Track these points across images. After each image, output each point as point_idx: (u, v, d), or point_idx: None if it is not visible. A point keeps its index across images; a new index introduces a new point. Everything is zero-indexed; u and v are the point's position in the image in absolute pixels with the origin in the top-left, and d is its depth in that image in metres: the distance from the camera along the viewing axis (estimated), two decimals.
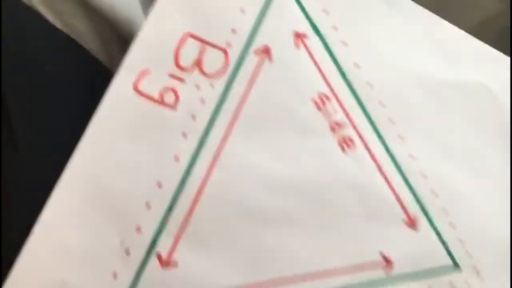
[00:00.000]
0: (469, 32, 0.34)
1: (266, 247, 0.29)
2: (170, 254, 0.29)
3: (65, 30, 0.36)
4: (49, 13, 0.36)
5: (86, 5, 0.36)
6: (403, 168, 0.31)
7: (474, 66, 0.32)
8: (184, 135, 0.29)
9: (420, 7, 0.32)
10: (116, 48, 0.39)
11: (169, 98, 0.29)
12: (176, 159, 0.29)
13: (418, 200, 0.32)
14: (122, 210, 0.28)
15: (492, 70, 0.32)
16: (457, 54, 0.32)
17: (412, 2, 0.32)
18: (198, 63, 0.29)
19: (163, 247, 0.28)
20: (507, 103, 0.33)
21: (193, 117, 0.29)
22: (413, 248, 0.31)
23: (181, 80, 0.29)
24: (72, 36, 0.36)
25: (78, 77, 0.33)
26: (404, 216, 0.32)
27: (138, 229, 0.28)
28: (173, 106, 0.29)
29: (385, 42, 0.31)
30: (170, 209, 0.29)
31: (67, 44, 0.34)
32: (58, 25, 0.36)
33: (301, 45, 0.30)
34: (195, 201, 0.29)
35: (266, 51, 0.30)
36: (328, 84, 0.31)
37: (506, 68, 0.33)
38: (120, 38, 0.39)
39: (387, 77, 0.31)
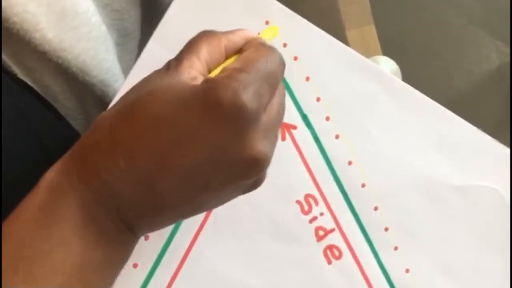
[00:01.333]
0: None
1: None
2: None
3: (35, 87, 0.32)
4: (18, 68, 0.33)
5: (62, 68, 0.32)
6: (397, 284, 0.27)
7: (484, 168, 0.27)
8: (146, 237, 0.25)
9: (430, 100, 0.26)
10: (93, 107, 0.35)
11: None
12: (135, 266, 0.25)
13: None
14: None
15: (505, 173, 0.27)
16: (466, 153, 0.27)
17: (421, 94, 0.26)
18: None
19: None
20: None
21: None
22: None
23: None
24: (43, 94, 0.32)
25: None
26: None
27: None
28: None
29: (384, 137, 0.26)
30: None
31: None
32: (28, 81, 0.32)
33: (288, 137, 0.27)
34: None
35: None
36: (316, 184, 0.27)
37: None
38: (96, 97, 0.35)
39: (384, 176, 0.27)
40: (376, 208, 0.26)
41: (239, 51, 0.20)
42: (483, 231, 0.27)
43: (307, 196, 0.26)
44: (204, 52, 0.19)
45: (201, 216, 0.25)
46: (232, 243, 0.25)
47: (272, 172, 0.25)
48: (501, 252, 0.27)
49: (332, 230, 0.26)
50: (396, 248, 0.27)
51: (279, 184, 0.26)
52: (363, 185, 0.26)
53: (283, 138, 0.26)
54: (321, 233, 0.26)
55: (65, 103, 0.32)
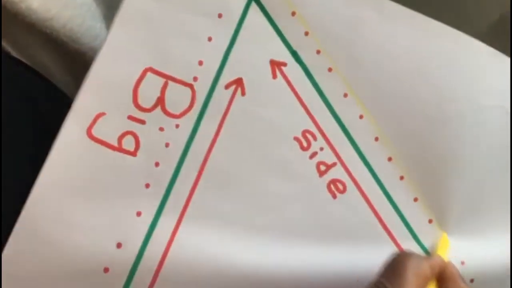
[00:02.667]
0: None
1: None
2: None
3: (31, 64, 0.33)
4: (13, 47, 0.33)
5: (51, 39, 0.33)
6: (405, 214, 0.26)
7: (491, 85, 0.25)
8: (147, 185, 0.25)
9: (428, 19, 0.25)
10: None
11: (129, 143, 0.24)
12: (138, 214, 0.25)
13: (426, 251, 0.26)
14: (79, 276, 0.24)
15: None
16: (472, 70, 0.25)
17: (416, 13, 0.25)
18: (160, 102, 0.25)
19: None
20: None
21: (157, 164, 0.24)
22: None
23: (141, 122, 0.25)
24: (38, 69, 0.33)
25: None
26: None
27: None
28: (133, 153, 0.24)
29: (380, 64, 0.25)
30: (132, 273, 0.24)
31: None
32: (23, 59, 0.33)
33: (279, 75, 0.26)
34: (161, 262, 0.24)
35: (238, 84, 0.25)
36: (313, 120, 0.26)
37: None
38: (88, 67, 0.35)
39: (384, 105, 0.25)
40: (377, 139, 0.26)
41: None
42: (494, 151, 0.26)
43: (305, 132, 0.25)
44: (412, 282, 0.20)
45: (200, 161, 0.25)
46: (234, 185, 0.24)
47: (266, 111, 0.25)
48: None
49: (334, 164, 0.25)
50: (402, 178, 0.26)
51: (276, 123, 0.25)
52: (361, 117, 0.25)
53: (274, 76, 0.25)
54: (322, 168, 0.25)
55: (59, 77, 0.32)
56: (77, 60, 0.31)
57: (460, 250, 0.25)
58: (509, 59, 0.25)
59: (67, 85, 0.33)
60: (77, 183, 0.23)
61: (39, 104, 0.29)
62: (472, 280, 0.26)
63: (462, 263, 0.25)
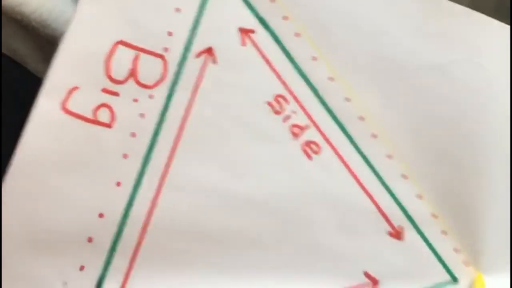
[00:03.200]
0: None
1: (230, 277, 0.25)
2: None
3: (7, 53, 0.33)
4: None
5: (23, 25, 0.33)
6: (380, 171, 0.27)
7: (462, 40, 0.25)
8: (125, 156, 0.25)
9: None
10: None
11: (104, 115, 0.25)
12: (118, 184, 0.25)
13: (401, 207, 0.27)
14: (62, 248, 0.24)
15: (487, 44, 0.25)
16: (440, 26, 0.25)
17: None
18: (133, 73, 0.25)
19: (111, 286, 0.24)
20: (506, 85, 0.26)
21: (133, 134, 0.25)
22: (401, 263, 0.26)
23: (115, 94, 0.25)
24: (16, 59, 0.33)
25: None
26: (387, 227, 0.26)
27: (82, 268, 0.24)
28: (109, 124, 0.25)
29: (348, 26, 0.25)
30: (115, 242, 0.25)
31: None
32: None
33: (248, 42, 0.26)
34: (143, 230, 0.25)
35: (209, 53, 0.26)
36: (284, 84, 0.26)
37: (505, 40, 0.25)
38: None
39: (353, 66, 0.25)
40: (348, 99, 0.26)
41: None
42: (466, 106, 0.27)
43: (277, 97, 0.26)
44: None
45: (176, 129, 0.25)
46: (211, 151, 0.25)
47: (238, 78, 0.25)
48: (495, 129, 0.26)
49: (307, 127, 0.26)
50: (374, 136, 0.26)
51: (248, 89, 0.25)
52: (330, 79, 0.26)
53: (243, 43, 0.25)
54: (296, 130, 0.26)
55: (34, 65, 0.32)
56: (50, 46, 0.31)
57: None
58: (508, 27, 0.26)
59: (42, 72, 0.33)
60: (55, 157, 0.23)
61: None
62: None
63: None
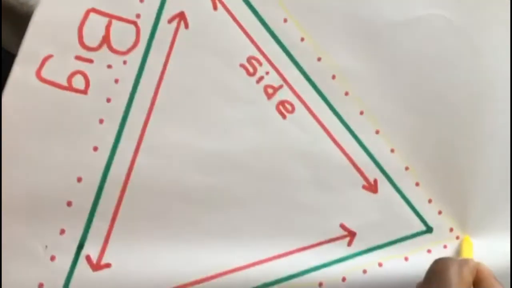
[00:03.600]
0: None
1: (209, 234, 0.25)
2: (101, 255, 0.24)
3: None
4: None
5: (6, 11, 0.33)
6: (353, 127, 0.27)
7: None
8: (101, 121, 0.25)
9: None
10: None
11: (79, 82, 0.25)
12: (95, 149, 0.25)
13: (375, 161, 0.27)
14: (42, 213, 0.24)
15: None
16: None
17: None
18: (106, 40, 0.25)
19: (92, 248, 0.24)
20: (470, 37, 0.26)
21: (108, 100, 0.25)
22: (377, 215, 0.27)
23: (89, 61, 0.25)
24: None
25: None
26: (362, 181, 0.27)
27: (62, 232, 0.25)
28: (84, 91, 0.25)
29: None
30: (94, 205, 0.25)
31: None
32: None
33: (220, 6, 0.27)
34: (122, 193, 0.25)
35: (181, 17, 0.26)
36: (256, 46, 0.26)
37: None
38: None
39: (322, 26, 0.26)
40: (319, 59, 0.26)
41: None
42: (434, 59, 0.27)
43: (250, 59, 0.26)
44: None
45: (151, 93, 0.25)
46: (186, 113, 0.25)
47: (210, 42, 0.26)
48: (468, 81, 0.27)
49: (281, 87, 0.26)
50: (346, 94, 0.27)
51: (221, 52, 0.25)
52: (302, 39, 0.26)
53: (215, 8, 0.26)
54: (270, 91, 0.26)
55: (13, 46, 0.32)
56: (27, 24, 0.32)
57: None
58: None
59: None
60: (31, 124, 0.24)
61: None
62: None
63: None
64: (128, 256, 0.23)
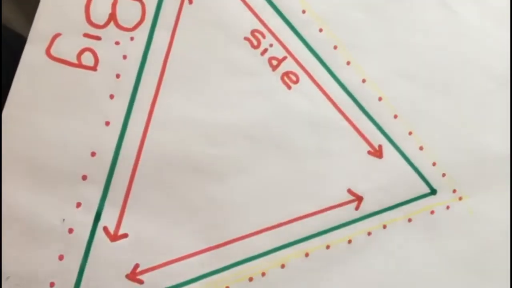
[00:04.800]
0: None
1: (221, 204, 0.26)
2: (118, 225, 0.25)
3: None
4: None
5: None
6: (356, 95, 0.27)
7: None
8: (111, 96, 0.25)
9: None
10: None
11: (88, 59, 0.25)
12: (107, 124, 0.25)
13: (379, 127, 0.28)
14: (58, 187, 0.24)
15: None
16: None
17: None
18: (113, 17, 0.26)
19: (109, 220, 0.25)
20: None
21: (118, 76, 0.25)
22: (382, 179, 0.27)
23: (97, 38, 0.25)
24: (3, 22, 0.33)
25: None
26: (367, 147, 0.27)
27: (78, 205, 0.25)
28: (93, 67, 0.25)
29: None
30: (109, 178, 0.25)
31: None
32: None
33: None
34: (135, 165, 0.25)
35: None
36: (260, 19, 0.27)
37: None
38: None
39: (322, 0, 0.26)
40: (321, 30, 0.27)
41: None
42: (433, 30, 0.27)
43: (253, 32, 0.26)
44: None
45: (159, 68, 0.25)
46: (193, 87, 0.25)
47: (214, 16, 0.26)
48: (461, 52, 0.27)
49: (285, 58, 0.27)
50: (348, 63, 0.27)
51: (225, 26, 0.26)
52: (303, 11, 0.26)
53: None
54: (274, 62, 0.26)
55: (22, 31, 0.32)
56: (32, 6, 0.32)
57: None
58: None
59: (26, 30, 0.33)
60: (44, 102, 0.24)
61: None
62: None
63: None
64: (145, 226, 0.24)
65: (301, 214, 0.26)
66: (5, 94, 0.24)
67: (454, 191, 0.27)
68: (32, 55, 0.24)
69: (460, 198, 0.27)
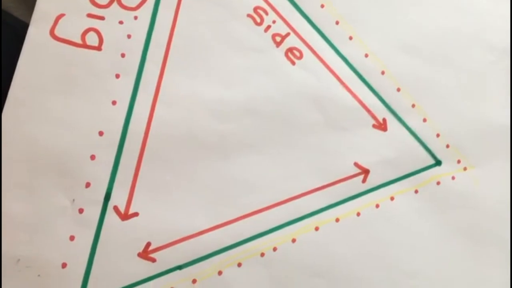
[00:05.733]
0: None
1: (229, 180, 0.25)
2: (128, 204, 0.25)
3: None
4: None
5: None
6: (359, 69, 0.27)
7: None
8: (117, 76, 0.25)
9: None
10: None
11: (92, 39, 0.25)
12: (114, 103, 0.25)
13: (382, 101, 0.28)
14: (67, 168, 0.25)
15: None
16: None
17: None
18: None
19: (119, 199, 0.24)
20: None
21: (123, 55, 0.25)
22: (388, 151, 0.28)
23: (101, 18, 0.25)
24: (3, 8, 0.33)
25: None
26: (371, 120, 0.27)
27: (88, 185, 0.25)
28: (98, 47, 0.25)
29: None
30: (117, 157, 0.25)
31: None
32: None
33: None
34: (143, 143, 0.25)
35: None
36: None
37: None
38: None
39: None
40: (322, 6, 0.27)
41: None
42: (434, 8, 0.28)
43: (256, 9, 0.26)
44: None
45: (163, 46, 0.25)
46: (198, 64, 0.25)
47: None
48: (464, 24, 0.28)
49: (288, 34, 0.27)
50: (350, 38, 0.27)
51: (227, 4, 0.26)
52: None
53: None
54: (278, 39, 0.26)
55: (23, 18, 0.32)
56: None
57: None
58: None
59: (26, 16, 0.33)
60: (50, 82, 0.24)
61: None
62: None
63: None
64: (155, 204, 0.24)
65: (310, 189, 0.26)
66: (9, 80, 0.24)
67: (459, 161, 0.27)
68: (36, 36, 0.23)
69: (465, 169, 0.27)
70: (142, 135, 0.24)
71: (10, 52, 0.26)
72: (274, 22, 0.26)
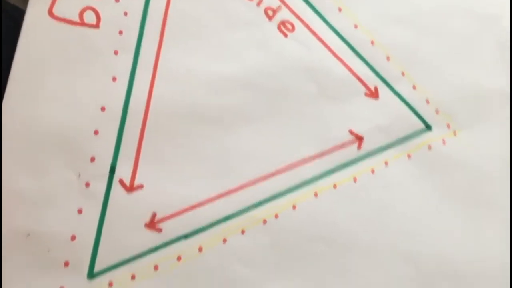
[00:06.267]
0: None
1: (230, 151, 0.26)
2: (133, 177, 0.25)
3: None
4: None
5: None
6: (350, 40, 0.28)
7: None
8: (116, 52, 0.26)
9: None
10: None
11: (90, 17, 0.25)
12: (114, 79, 0.26)
13: (373, 69, 0.29)
14: (71, 143, 0.25)
15: None
16: None
17: None
18: None
19: (123, 172, 0.25)
20: None
21: (120, 32, 0.25)
22: (380, 118, 0.28)
23: None
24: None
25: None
26: (363, 89, 0.28)
27: (93, 159, 0.25)
28: (96, 25, 0.26)
29: None
30: (120, 131, 0.26)
31: None
32: None
33: None
34: (144, 117, 0.25)
35: None
36: None
37: None
38: None
39: None
40: None
41: None
42: None
43: None
44: None
45: (160, 22, 0.26)
46: (194, 39, 0.25)
47: None
48: None
49: (279, 8, 0.27)
50: (340, 9, 0.28)
51: None
52: None
53: None
54: (270, 12, 0.27)
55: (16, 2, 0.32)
56: None
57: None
58: None
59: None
60: (50, 61, 0.24)
61: None
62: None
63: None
64: (159, 176, 0.24)
65: (307, 157, 0.27)
66: (9, 68, 0.24)
67: (448, 126, 0.28)
68: (34, 16, 0.24)
69: (455, 133, 0.28)
70: (143, 109, 0.25)
71: (9, 40, 0.26)
72: None
